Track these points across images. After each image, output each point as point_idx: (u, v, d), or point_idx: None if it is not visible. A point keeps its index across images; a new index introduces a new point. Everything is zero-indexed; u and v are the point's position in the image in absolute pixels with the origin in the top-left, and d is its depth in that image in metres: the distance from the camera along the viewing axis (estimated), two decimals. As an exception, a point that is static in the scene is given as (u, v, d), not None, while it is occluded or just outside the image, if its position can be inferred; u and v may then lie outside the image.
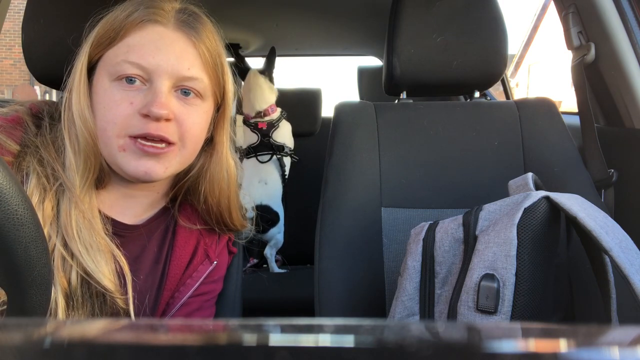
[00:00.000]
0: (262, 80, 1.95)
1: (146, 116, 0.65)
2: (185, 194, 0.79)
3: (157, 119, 0.64)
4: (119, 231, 0.72)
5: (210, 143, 0.78)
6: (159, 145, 0.66)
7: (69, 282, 0.65)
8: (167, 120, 0.66)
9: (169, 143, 0.67)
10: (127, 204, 0.75)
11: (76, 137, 0.67)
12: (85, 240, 0.65)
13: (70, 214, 0.65)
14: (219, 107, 0.76)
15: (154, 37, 0.67)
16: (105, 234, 0.68)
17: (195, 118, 0.69)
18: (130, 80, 0.65)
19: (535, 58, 11.97)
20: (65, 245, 0.65)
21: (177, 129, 0.67)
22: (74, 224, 0.65)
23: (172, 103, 0.66)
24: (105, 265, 0.66)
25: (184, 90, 0.68)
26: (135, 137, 0.65)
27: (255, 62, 2.10)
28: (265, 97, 1.94)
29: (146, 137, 0.65)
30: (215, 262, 0.79)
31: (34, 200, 0.64)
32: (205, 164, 0.77)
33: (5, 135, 0.67)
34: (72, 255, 0.65)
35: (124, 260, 0.69)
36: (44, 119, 0.72)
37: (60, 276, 0.64)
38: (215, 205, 0.78)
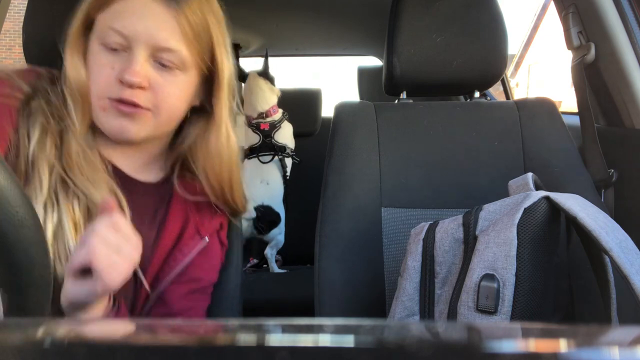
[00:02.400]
0: (262, 81, 1.97)
1: (121, 82, 0.68)
2: (187, 165, 0.81)
3: (130, 85, 0.67)
4: (117, 178, 0.74)
5: (204, 112, 0.79)
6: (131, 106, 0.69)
7: (74, 212, 0.68)
8: (141, 88, 0.68)
9: (144, 108, 0.70)
10: (125, 154, 0.77)
11: (71, 90, 0.71)
12: (86, 172, 0.69)
13: (71, 147, 0.70)
14: (212, 78, 0.77)
15: (138, 6, 0.69)
16: (106, 172, 0.72)
17: (171, 89, 0.71)
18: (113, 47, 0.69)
19: (535, 58, 11.97)
20: (67, 176, 0.69)
21: (151, 97, 0.70)
22: (74, 156, 0.70)
23: (148, 72, 0.69)
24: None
25: (161, 62, 0.70)
26: (112, 100, 0.69)
27: (256, 62, 2.10)
28: (266, 98, 1.95)
29: (121, 101, 0.69)
30: (206, 239, 0.80)
31: (37, 136, 0.69)
32: (202, 133, 0.79)
33: (19, 77, 0.73)
34: (75, 184, 0.69)
35: (123, 198, 0.72)
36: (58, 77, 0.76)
37: (67, 204, 0.68)
38: (216, 177, 0.79)
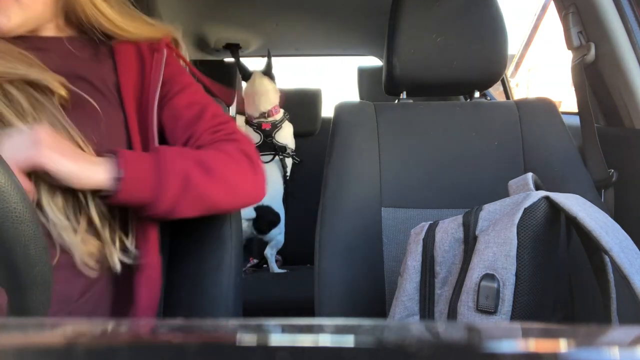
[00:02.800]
0: (267, 81, 1.97)
1: None
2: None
3: None
4: (35, 44, 0.73)
5: None
6: None
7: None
8: None
9: None
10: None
11: None
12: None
13: None
14: None
15: None
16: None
17: None
18: None
19: (535, 62, 11.95)
20: None
21: None
22: None
23: None
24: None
25: None
26: None
27: (255, 63, 2.11)
28: (269, 98, 1.95)
29: None
30: (164, 51, 0.81)
31: None
32: None
33: None
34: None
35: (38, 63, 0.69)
36: None
37: None
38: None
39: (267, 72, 2.01)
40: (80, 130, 0.68)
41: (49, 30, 0.77)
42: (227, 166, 0.76)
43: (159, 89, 0.78)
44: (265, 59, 2.05)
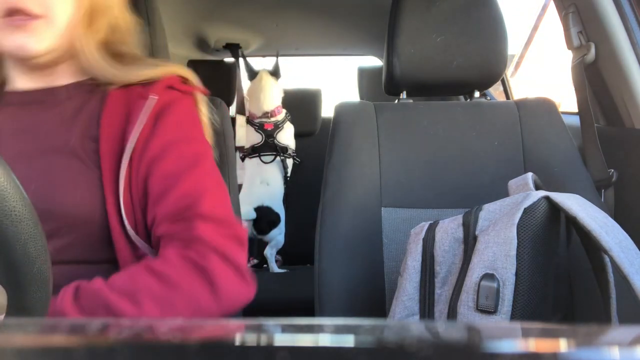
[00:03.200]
0: (273, 81, 1.98)
1: None
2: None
3: None
4: (36, 96, 0.73)
5: None
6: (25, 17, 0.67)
7: None
8: None
9: (36, 16, 0.68)
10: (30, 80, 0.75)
11: None
12: None
13: None
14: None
15: None
16: None
17: None
18: None
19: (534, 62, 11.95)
20: None
21: (40, 1, 0.67)
22: None
23: None
24: None
25: None
26: (3, 17, 0.67)
27: (255, 62, 2.11)
28: (274, 98, 1.96)
29: (12, 14, 0.66)
30: (153, 97, 0.72)
31: None
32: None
33: None
34: None
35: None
36: None
37: None
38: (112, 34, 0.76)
39: (274, 73, 2.01)
40: (50, 197, 0.66)
41: (63, 73, 0.77)
42: (168, 297, 0.62)
43: (131, 144, 0.69)
44: (274, 59, 2.05)
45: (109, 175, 0.68)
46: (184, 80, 0.79)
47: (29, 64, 0.73)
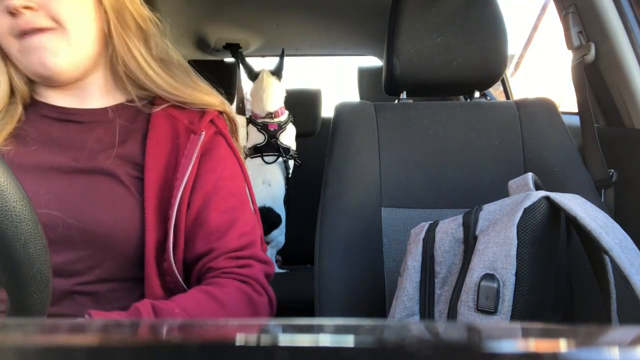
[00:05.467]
0: (275, 81, 1.97)
1: (11, 14, 0.66)
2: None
3: (17, 10, 0.65)
4: (75, 117, 0.74)
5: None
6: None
7: None
8: (29, 8, 0.66)
9: (45, 29, 0.68)
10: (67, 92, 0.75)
11: None
12: None
13: None
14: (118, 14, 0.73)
15: None
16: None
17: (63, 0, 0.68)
18: None
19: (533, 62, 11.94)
20: None
21: (46, 13, 0.67)
22: None
23: None
24: None
25: None
26: (18, 37, 0.67)
27: (255, 63, 2.11)
28: (277, 99, 1.95)
29: (25, 34, 0.67)
30: (202, 133, 0.74)
31: None
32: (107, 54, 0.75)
33: None
34: None
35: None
36: None
37: None
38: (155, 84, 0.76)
39: (276, 73, 2.00)
40: (89, 216, 0.67)
41: (95, 96, 0.76)
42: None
43: (185, 179, 0.71)
44: (274, 59, 2.05)
45: (151, 203, 0.70)
46: (220, 113, 0.82)
47: (56, 85, 0.73)
